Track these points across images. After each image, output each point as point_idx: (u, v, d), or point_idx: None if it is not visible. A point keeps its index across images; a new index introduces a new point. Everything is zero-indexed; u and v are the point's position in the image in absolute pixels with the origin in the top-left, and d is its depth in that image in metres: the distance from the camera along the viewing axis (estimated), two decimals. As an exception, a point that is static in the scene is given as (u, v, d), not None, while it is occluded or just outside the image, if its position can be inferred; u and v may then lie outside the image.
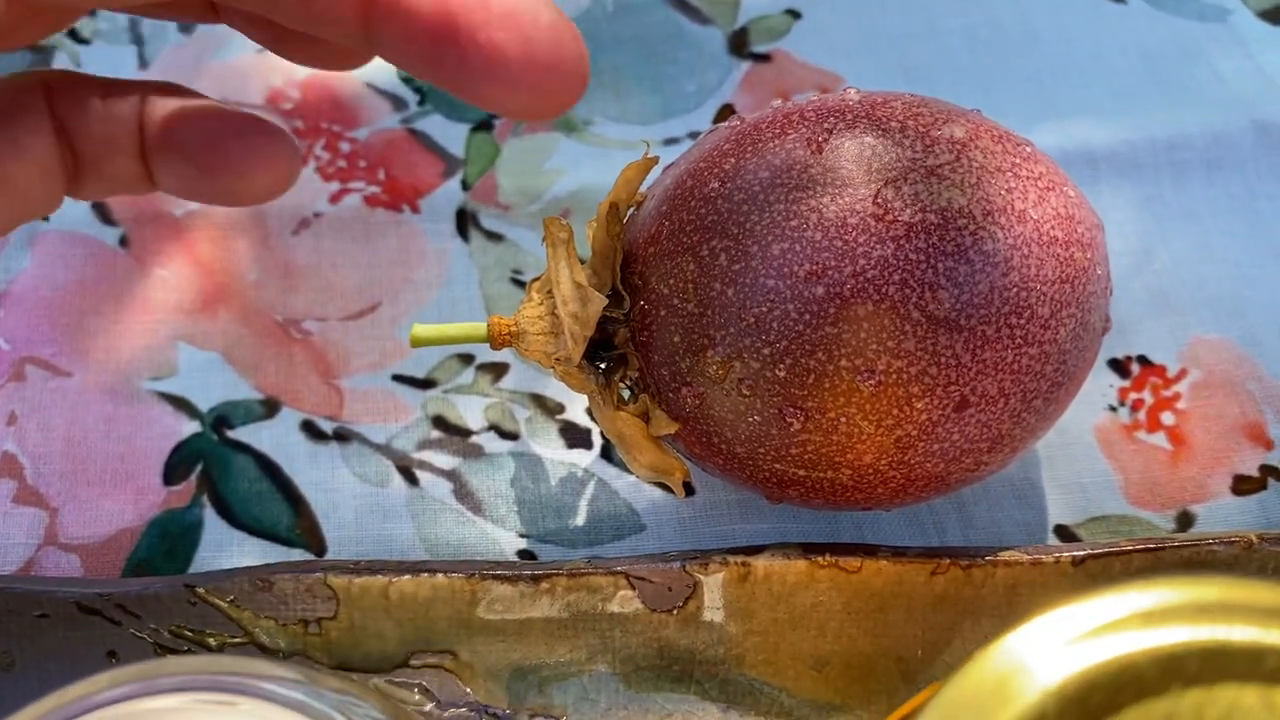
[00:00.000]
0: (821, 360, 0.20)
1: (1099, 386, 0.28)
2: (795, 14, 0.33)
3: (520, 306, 0.23)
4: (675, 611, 0.23)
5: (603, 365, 0.23)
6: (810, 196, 0.20)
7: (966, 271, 0.20)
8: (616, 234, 0.23)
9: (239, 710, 0.15)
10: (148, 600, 0.23)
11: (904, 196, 0.20)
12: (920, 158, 0.21)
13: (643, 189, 0.24)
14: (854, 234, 0.20)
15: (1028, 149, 0.22)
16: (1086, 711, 0.11)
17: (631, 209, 0.23)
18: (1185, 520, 0.26)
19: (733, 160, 0.22)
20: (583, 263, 0.23)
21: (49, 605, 0.23)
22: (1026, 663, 0.12)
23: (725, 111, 0.32)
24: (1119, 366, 0.28)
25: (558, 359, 0.23)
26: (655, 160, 0.23)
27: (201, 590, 0.23)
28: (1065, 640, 0.12)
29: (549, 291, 0.23)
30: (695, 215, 0.21)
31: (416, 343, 0.23)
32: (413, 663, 0.23)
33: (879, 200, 0.20)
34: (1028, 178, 0.21)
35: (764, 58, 0.33)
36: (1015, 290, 0.20)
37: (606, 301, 0.22)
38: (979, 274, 0.20)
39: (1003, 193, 0.21)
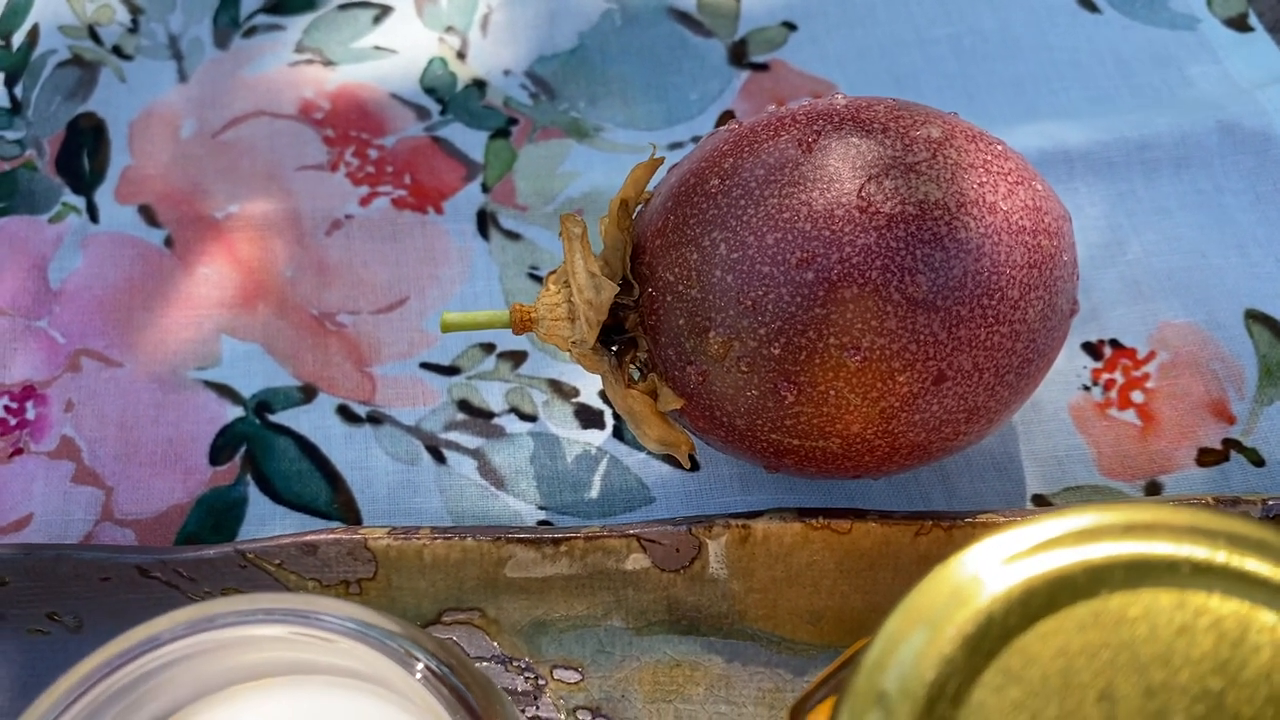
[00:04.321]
0: (812, 339, 0.23)
1: (1073, 368, 0.30)
2: (791, 26, 0.36)
3: (540, 295, 0.26)
4: (682, 571, 0.25)
5: (614, 347, 0.26)
6: (801, 191, 0.23)
7: (942, 257, 0.22)
8: (626, 227, 0.25)
9: (335, 648, 0.17)
10: (202, 564, 0.25)
11: (885, 190, 0.23)
12: (900, 155, 0.23)
13: (649, 187, 0.26)
14: (840, 224, 0.22)
15: (999, 147, 0.24)
16: (1028, 612, 0.14)
17: (640, 205, 0.26)
18: (1153, 489, 0.28)
19: (731, 160, 0.24)
20: (595, 255, 0.25)
21: (112, 570, 0.25)
22: (978, 573, 0.14)
23: (726, 117, 0.34)
24: (1092, 349, 0.30)
25: (574, 342, 0.25)
26: (661, 161, 0.25)
27: (251, 554, 0.25)
28: (1010, 556, 0.15)
29: (565, 282, 0.25)
30: (698, 210, 0.24)
31: (447, 328, 0.26)
32: (444, 619, 0.25)
33: (863, 194, 0.23)
34: (998, 173, 0.24)
35: (762, 67, 0.35)
36: (987, 274, 0.23)
37: (618, 289, 0.24)
38: (953, 260, 0.22)
39: (975, 186, 0.23)
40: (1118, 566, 0.14)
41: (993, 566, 0.14)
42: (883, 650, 0.14)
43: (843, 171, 0.23)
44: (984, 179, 0.23)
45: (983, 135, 0.24)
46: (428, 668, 0.17)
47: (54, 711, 0.18)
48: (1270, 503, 0.25)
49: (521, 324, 0.25)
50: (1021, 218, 0.23)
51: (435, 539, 0.25)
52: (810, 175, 0.23)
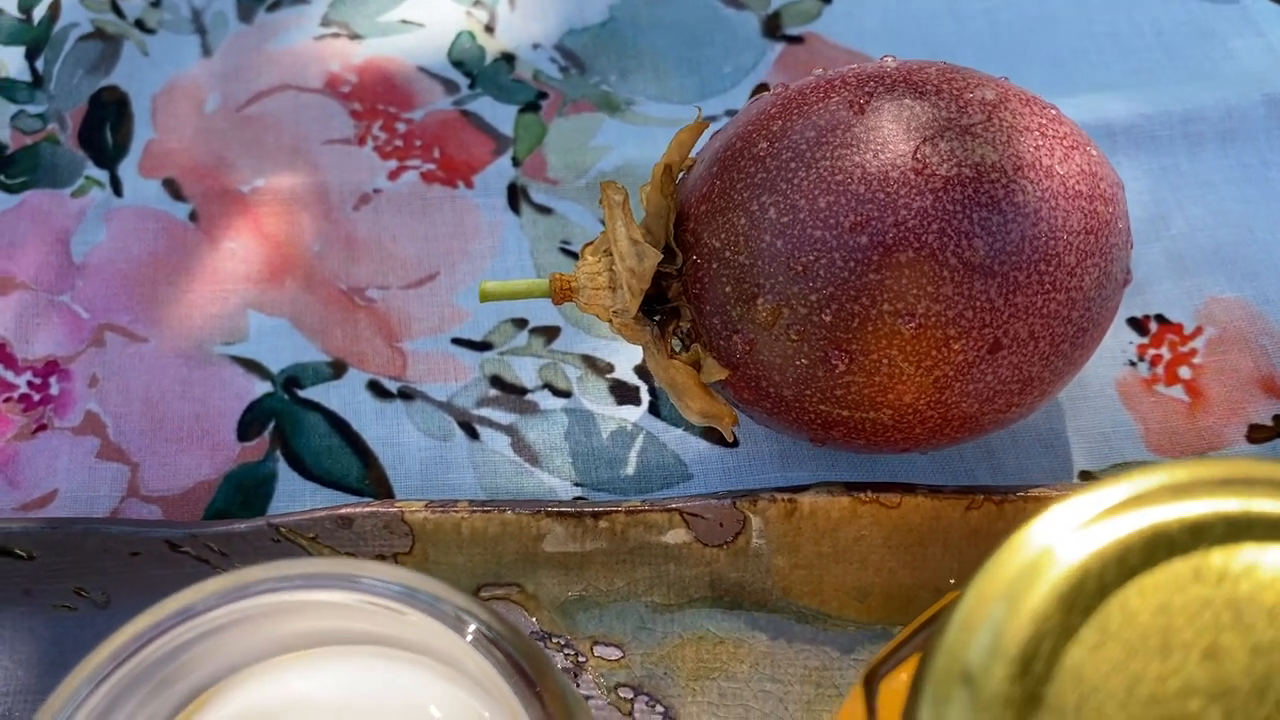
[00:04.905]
0: (865, 305, 0.22)
1: (1119, 343, 0.29)
2: (825, -1, 0.35)
3: (578, 266, 0.25)
4: (726, 546, 0.25)
5: (657, 318, 0.25)
6: (854, 153, 0.22)
7: (999, 221, 0.22)
8: (670, 194, 0.24)
9: (383, 614, 0.16)
10: (234, 538, 0.25)
11: (941, 153, 0.22)
12: (955, 117, 0.22)
13: (692, 155, 0.25)
14: (895, 187, 0.22)
15: (1053, 111, 0.24)
16: (1125, 569, 0.13)
17: (683, 173, 0.25)
18: (1203, 467, 0.28)
19: (780, 122, 0.23)
20: (637, 223, 0.25)
21: (141, 544, 0.25)
22: (1051, 544, 0.13)
23: (760, 89, 0.34)
24: (1138, 325, 0.30)
25: (615, 312, 0.24)
26: (707, 124, 0.24)
27: (284, 529, 0.25)
28: (1082, 523, 0.14)
29: (606, 251, 0.25)
30: (745, 174, 0.23)
31: (486, 297, 0.25)
32: (482, 594, 0.25)
33: (918, 156, 0.22)
34: (1054, 136, 0.23)
35: (797, 40, 0.34)
36: (1044, 239, 0.22)
37: (661, 256, 0.24)
38: (1010, 224, 0.22)
39: (1031, 149, 0.22)
40: (1218, 521, 0.13)
41: (1065, 535, 0.14)
42: (962, 627, 0.13)
43: (897, 133, 0.22)
44: (1040, 142, 0.23)
45: (1036, 99, 0.24)
46: (480, 631, 0.16)
47: (88, 687, 0.17)
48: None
49: (561, 293, 0.25)
50: (1078, 182, 0.23)
51: (474, 512, 0.24)
52: (863, 137, 0.22)
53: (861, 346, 0.22)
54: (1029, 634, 0.13)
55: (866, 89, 0.23)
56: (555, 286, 0.25)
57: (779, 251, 0.22)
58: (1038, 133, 0.23)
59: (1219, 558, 0.13)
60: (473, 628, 0.16)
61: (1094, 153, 0.24)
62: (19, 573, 0.25)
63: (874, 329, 0.22)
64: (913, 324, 0.22)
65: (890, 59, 0.24)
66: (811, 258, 0.22)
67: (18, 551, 0.25)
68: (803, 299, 0.22)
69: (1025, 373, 0.23)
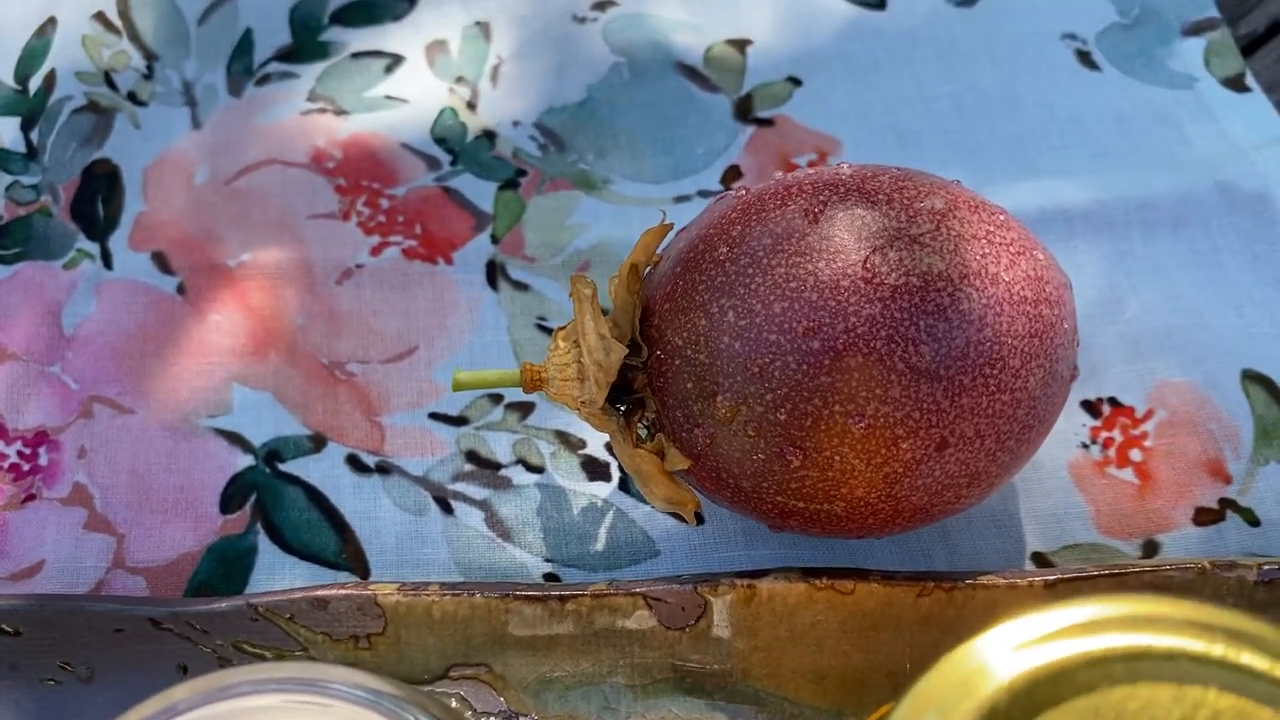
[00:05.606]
0: (818, 405, 0.23)
1: (1072, 426, 0.30)
2: (796, 81, 0.36)
3: (549, 354, 0.26)
4: (688, 629, 0.26)
5: (623, 408, 0.26)
6: (808, 261, 0.23)
7: (945, 328, 0.23)
8: (636, 290, 0.25)
9: (333, 712, 0.17)
10: (214, 617, 0.26)
11: (890, 262, 0.23)
12: (904, 227, 0.23)
13: (658, 251, 0.26)
14: (846, 295, 0.23)
15: (1001, 217, 0.25)
16: (1032, 704, 0.14)
17: (649, 268, 0.26)
18: (1150, 548, 0.29)
19: (739, 228, 0.24)
20: (605, 314, 0.26)
21: (125, 622, 0.26)
22: (987, 662, 0.15)
23: (732, 172, 0.35)
24: (1091, 408, 0.31)
25: (583, 402, 0.26)
26: (670, 226, 0.25)
27: (263, 608, 0.25)
28: (1018, 644, 0.15)
29: (575, 341, 0.26)
30: (706, 276, 0.24)
31: (459, 387, 0.26)
32: (452, 674, 0.25)
33: (868, 265, 0.23)
34: (1000, 244, 0.24)
35: (767, 122, 0.36)
36: (989, 344, 0.23)
37: (627, 351, 0.25)
38: (956, 330, 0.23)
39: (977, 257, 0.23)
40: (1118, 659, 0.14)
41: (1002, 654, 0.15)
42: None
43: (848, 242, 0.23)
44: (986, 250, 0.24)
45: (985, 205, 0.25)
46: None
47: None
48: (1266, 567, 0.25)
49: (532, 383, 0.26)
50: (1023, 288, 0.24)
51: (444, 595, 0.25)
52: (816, 245, 0.23)
53: (815, 444, 0.23)
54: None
55: (821, 197, 0.24)
56: (526, 377, 0.26)
57: (737, 353, 0.23)
58: (984, 240, 0.24)
59: (1118, 695, 0.14)
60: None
61: (1040, 256, 0.25)
62: (6, 648, 0.26)
63: (826, 428, 0.23)
64: (863, 424, 0.23)
65: (846, 166, 0.25)
66: (767, 360, 0.23)
67: (5, 628, 0.25)
68: (759, 398, 0.23)
69: (972, 468, 0.24)
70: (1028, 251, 0.24)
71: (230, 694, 0.19)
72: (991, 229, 0.24)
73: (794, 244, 0.24)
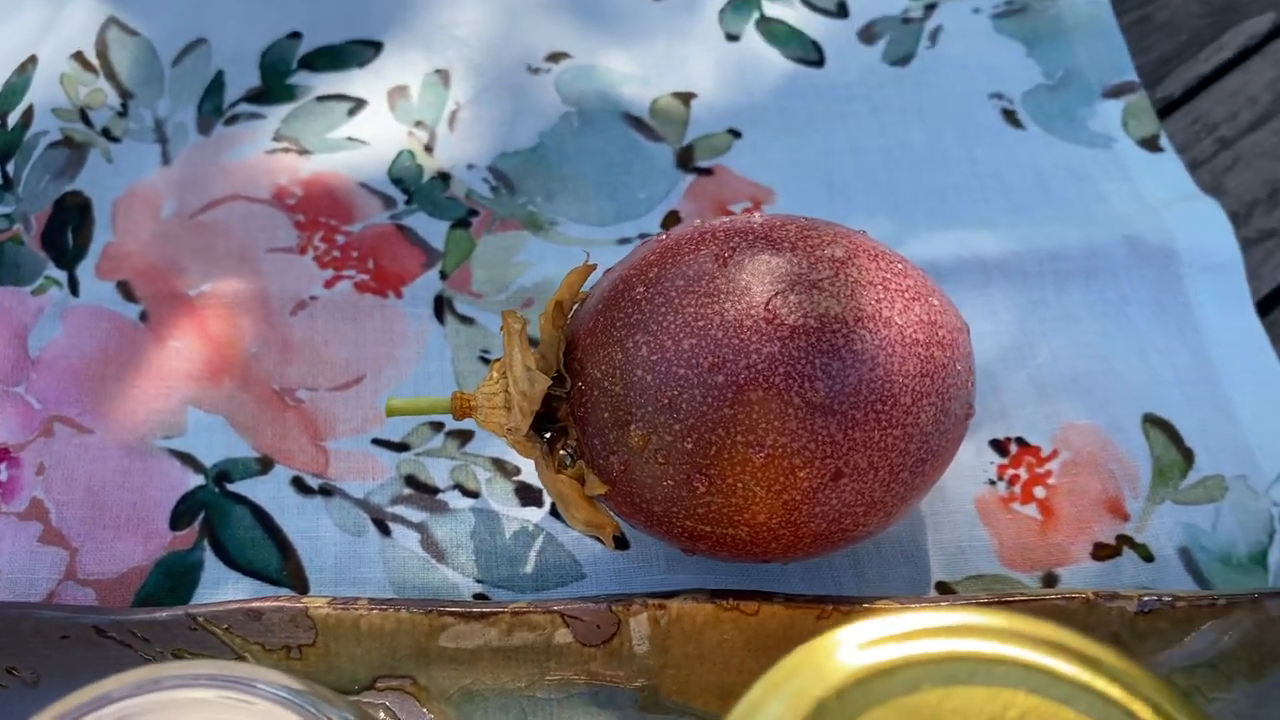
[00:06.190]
0: (721, 436, 0.25)
1: (980, 463, 0.32)
2: (736, 133, 0.38)
3: (481, 383, 0.28)
4: (603, 646, 0.27)
5: (547, 435, 0.28)
6: (715, 302, 0.25)
7: (839, 366, 0.25)
8: (561, 325, 0.27)
9: (255, 709, 0.19)
10: (155, 626, 0.27)
11: (790, 304, 0.25)
12: (805, 273, 0.25)
13: (586, 288, 0.28)
14: (748, 334, 0.25)
15: (899, 265, 0.27)
16: (856, 703, 0.16)
17: (576, 305, 0.28)
18: (1050, 580, 0.30)
19: (656, 269, 0.26)
20: (534, 349, 0.27)
21: (70, 629, 0.27)
22: (832, 659, 0.16)
23: (672, 217, 0.37)
24: (999, 446, 0.32)
25: (509, 429, 0.27)
26: (593, 267, 0.27)
27: (201, 618, 0.27)
28: (864, 642, 0.17)
29: (504, 372, 0.28)
30: (624, 313, 0.26)
31: (391, 412, 0.28)
32: (378, 685, 0.27)
33: (769, 307, 0.25)
34: (896, 290, 0.26)
35: (707, 171, 0.38)
36: (880, 382, 0.25)
37: (551, 382, 0.27)
38: (849, 368, 0.25)
39: (872, 302, 0.25)
40: (936, 663, 0.16)
41: (847, 652, 0.16)
42: (744, 712, 0.16)
43: (753, 285, 0.25)
44: (881, 295, 0.26)
45: (885, 254, 0.27)
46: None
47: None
48: (1145, 599, 0.27)
49: (461, 411, 0.28)
50: (916, 331, 0.26)
51: (372, 609, 0.27)
52: (724, 288, 0.25)
53: (719, 471, 0.25)
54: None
55: (731, 243, 0.26)
56: (456, 405, 0.28)
57: (649, 385, 0.25)
58: (880, 286, 0.26)
59: (935, 696, 0.15)
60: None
61: (935, 302, 0.27)
62: (-44, 652, 0.27)
63: (729, 457, 0.25)
64: (762, 454, 0.25)
65: (758, 215, 0.27)
66: (676, 392, 0.25)
67: (-45, 633, 0.27)
68: (668, 428, 0.25)
69: (868, 497, 0.26)
70: (922, 297, 0.26)
71: (160, 686, 0.20)
72: (889, 276, 0.26)
73: (704, 285, 0.25)
